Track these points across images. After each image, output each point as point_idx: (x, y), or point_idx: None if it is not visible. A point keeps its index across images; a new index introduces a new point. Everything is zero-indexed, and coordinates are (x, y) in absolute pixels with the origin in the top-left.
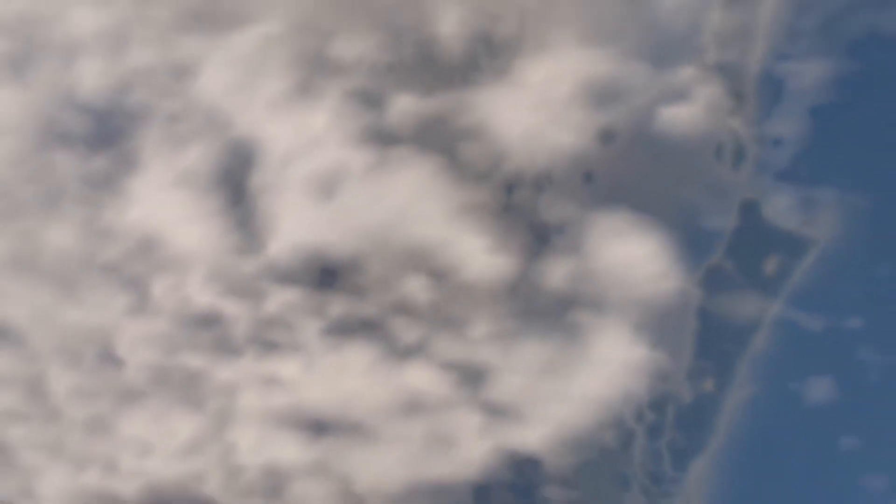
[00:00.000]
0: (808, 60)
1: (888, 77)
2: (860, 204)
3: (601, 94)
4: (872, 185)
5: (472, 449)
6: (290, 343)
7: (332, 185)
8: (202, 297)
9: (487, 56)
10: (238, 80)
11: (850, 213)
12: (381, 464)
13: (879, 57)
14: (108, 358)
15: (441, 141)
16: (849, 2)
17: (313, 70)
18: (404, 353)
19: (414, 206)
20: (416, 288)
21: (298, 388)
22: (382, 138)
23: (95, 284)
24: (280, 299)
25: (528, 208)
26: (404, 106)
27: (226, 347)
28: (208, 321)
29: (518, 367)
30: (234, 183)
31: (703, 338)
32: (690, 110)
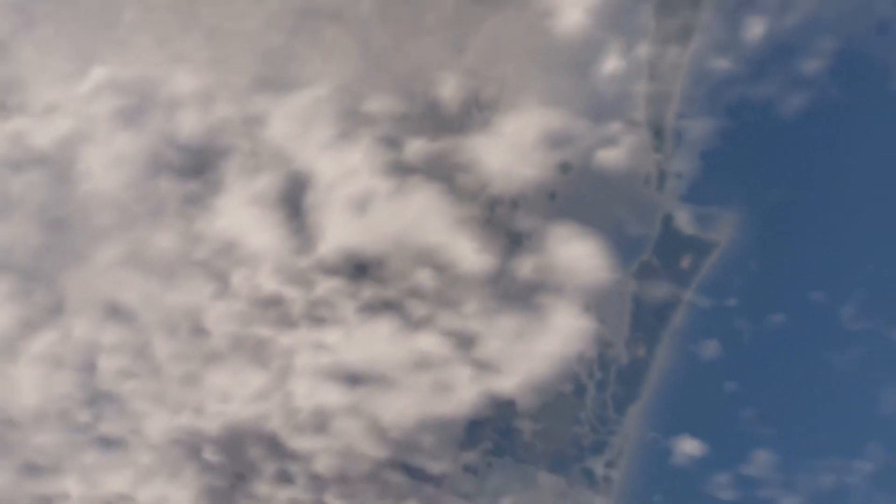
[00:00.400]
0: (700, 118)
1: (755, 130)
2: (740, 216)
3: (558, 140)
4: (745, 204)
5: (465, 394)
6: (333, 318)
7: (364, 203)
8: (269, 284)
9: (476, 112)
10: (296, 127)
11: (734, 222)
12: (400, 405)
13: (749, 116)
14: (198, 329)
15: (443, 172)
16: (727, 77)
17: (351, 121)
18: (416, 325)
19: (423, 219)
20: (425, 278)
21: (339, 350)
22: (401, 170)
23: (190, 275)
24: (326, 286)
25: (505, 220)
26: (417, 147)
27: (286, 321)
28: (273, 302)
29: (498, 334)
30: (293, 202)
31: (636, 316)
32: (623, 152)
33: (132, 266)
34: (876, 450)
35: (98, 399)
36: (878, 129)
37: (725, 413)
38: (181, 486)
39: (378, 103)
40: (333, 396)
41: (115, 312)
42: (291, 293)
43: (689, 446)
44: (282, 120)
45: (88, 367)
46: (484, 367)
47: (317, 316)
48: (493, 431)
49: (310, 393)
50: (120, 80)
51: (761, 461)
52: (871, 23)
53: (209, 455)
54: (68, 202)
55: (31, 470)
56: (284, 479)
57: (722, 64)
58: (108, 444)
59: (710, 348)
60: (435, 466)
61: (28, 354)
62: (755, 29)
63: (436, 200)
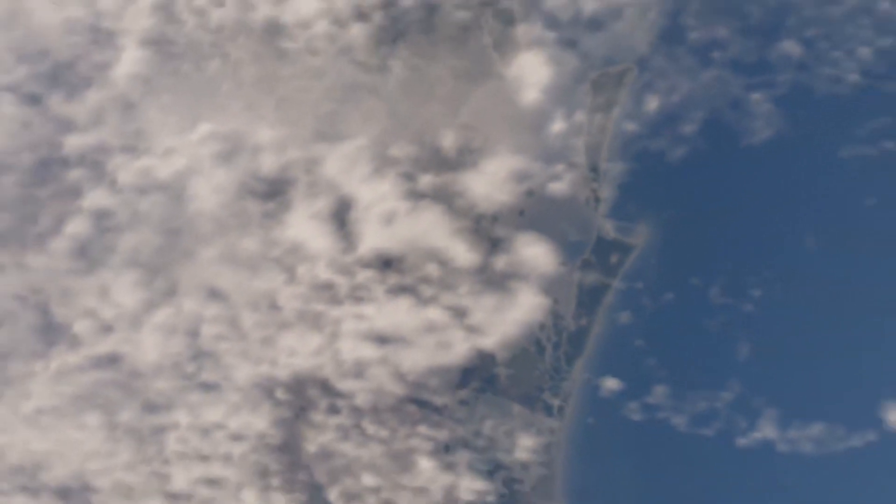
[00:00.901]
0: (620, 161)
1: (653, 170)
2: (648, 228)
3: (523, 176)
4: (650, 220)
5: (459, 349)
6: (368, 297)
7: (390, 219)
8: (323, 274)
9: (468, 156)
10: (344, 166)
11: (645, 232)
12: (414, 358)
13: (650, 161)
14: (273, 305)
15: (445, 197)
16: (636, 135)
17: (381, 162)
18: (426, 302)
19: (430, 230)
20: (432, 269)
21: (373, 320)
22: (415, 196)
23: (266, 269)
24: (363, 275)
25: (487, 230)
26: (427, 180)
27: (335, 300)
28: (326, 286)
29: (482, 308)
30: (341, 217)
31: (579, 296)
32: (568, 184)
33: (226, 261)
34: (734, 384)
35: (200, 356)
36: (733, 171)
37: (635, 360)
38: (260, 416)
39: (400, 150)
40: (368, 352)
41: (214, 294)
42: (339, 280)
43: (611, 384)
44: (333, 161)
45: (193, 333)
46: (473, 330)
47: (357, 296)
48: (479, 376)
49: (352, 349)
50: (219, 132)
51: (659, 393)
52: (727, 100)
53: (280, 395)
54: (180, 216)
55: (152, 407)
56: (333, 410)
57: (633, 126)
58: (208, 387)
59: (626, 317)
60: (439, 400)
61: (150, 324)
62: (653, 104)
63: (439, 217)
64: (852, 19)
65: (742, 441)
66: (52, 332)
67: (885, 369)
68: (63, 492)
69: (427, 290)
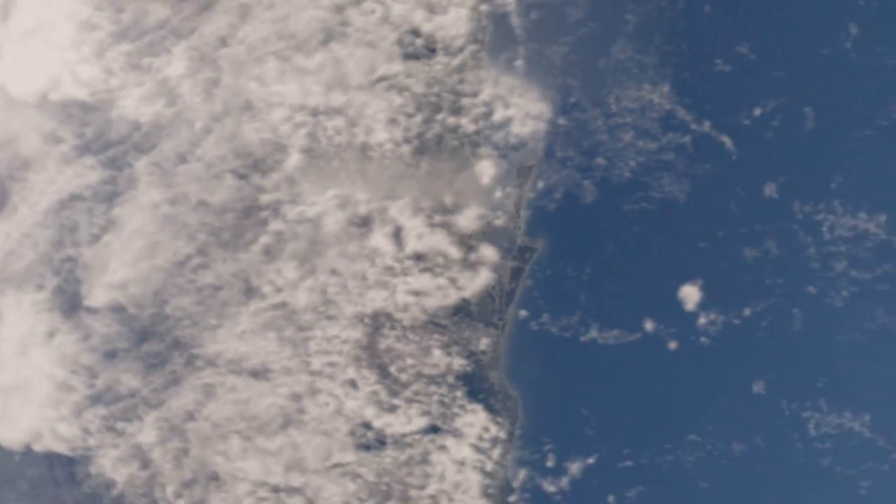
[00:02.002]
0: (527, 209)
1: (546, 211)
2: (545, 241)
3: (482, 216)
4: (551, 229)
5: (453, 297)
6: (410, 273)
7: (420, 236)
8: (389, 262)
9: (457, 207)
10: (397, 211)
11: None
12: (431, 302)
13: (540, 209)
14: (364, 278)
15: (447, 226)
16: (549, 188)
17: (415, 209)
18: (437, 276)
19: (439, 242)
20: (440, 260)
21: (412, 284)
22: (432, 226)
23: (362, 260)
24: (407, 263)
25: (467, 242)
26: (437, 219)
27: (394, 274)
28: (389, 268)
29: (464, 278)
30: (397, 235)
31: (511, 274)
32: (504, 220)
33: (343, 257)
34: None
35: (327, 302)
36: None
37: (538, 303)
38: (357, 332)
39: (425, 203)
40: (410, 299)
41: (335, 272)
42: (396, 264)
43: (524, 313)
44: (394, 209)
45: (323, 290)
46: (459, 289)
47: (404, 272)
48: (463, 311)
49: (402, 298)
50: (337, 193)
51: (573, 321)
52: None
53: (367, 320)
54: (318, 235)
55: (302, 328)
56: (392, 328)
57: (533, 193)
58: (332, 317)
59: (533, 282)
60: (443, 322)
61: (303, 287)
62: (542, 182)
63: (444, 236)
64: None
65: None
66: (250, 292)
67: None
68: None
69: (437, 269)
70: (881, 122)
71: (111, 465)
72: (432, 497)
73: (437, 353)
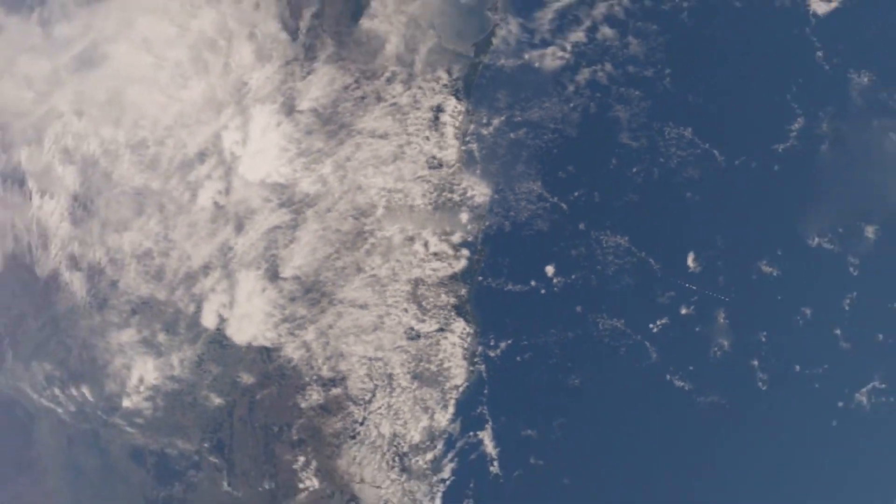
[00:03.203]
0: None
1: (504, 234)
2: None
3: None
4: (493, 245)
5: (456, 266)
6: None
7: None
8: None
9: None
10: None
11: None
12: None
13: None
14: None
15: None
16: (492, 224)
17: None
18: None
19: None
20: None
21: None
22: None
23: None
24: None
25: (457, 247)
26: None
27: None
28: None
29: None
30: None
31: (482, 256)
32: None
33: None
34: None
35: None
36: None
37: (499, 269)
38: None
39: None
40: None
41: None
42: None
43: (489, 272)
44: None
45: (362, 214)
46: (459, 258)
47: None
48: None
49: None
50: None
51: (501, 281)
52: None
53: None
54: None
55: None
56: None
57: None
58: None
59: (491, 257)
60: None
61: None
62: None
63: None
64: None
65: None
66: (360, 270)
67: None
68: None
69: (444, 259)
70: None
71: (291, 351)
72: (440, 363)
73: (443, 296)
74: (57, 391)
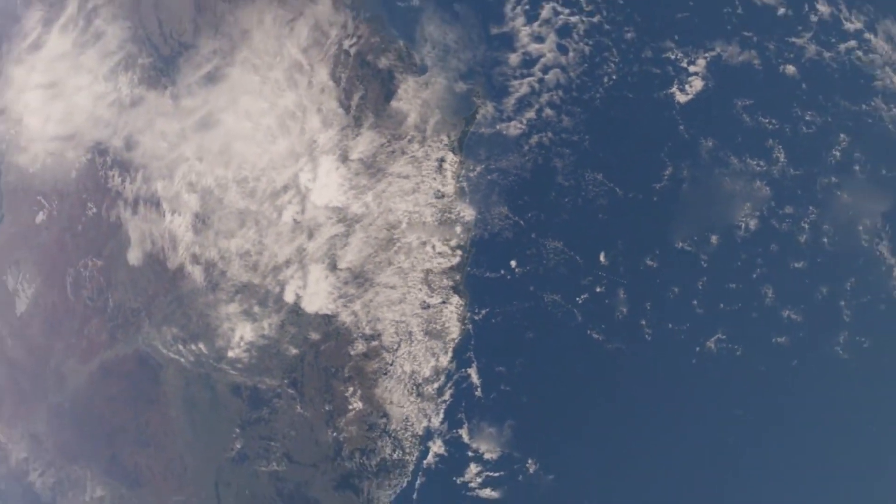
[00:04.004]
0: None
1: (486, 242)
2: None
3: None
4: (478, 247)
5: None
6: None
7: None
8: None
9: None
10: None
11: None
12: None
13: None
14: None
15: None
16: (476, 237)
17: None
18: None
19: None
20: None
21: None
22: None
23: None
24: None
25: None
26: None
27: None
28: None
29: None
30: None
31: (470, 248)
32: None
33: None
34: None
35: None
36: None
37: (488, 251)
38: None
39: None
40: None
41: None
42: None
43: (481, 255)
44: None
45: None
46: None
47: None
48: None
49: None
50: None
51: (483, 270)
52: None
53: None
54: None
55: None
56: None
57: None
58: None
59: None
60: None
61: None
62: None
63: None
64: None
65: None
66: (391, 267)
67: None
68: None
69: (446, 256)
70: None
71: (344, 317)
72: (443, 323)
73: (445, 280)
74: (180, 347)
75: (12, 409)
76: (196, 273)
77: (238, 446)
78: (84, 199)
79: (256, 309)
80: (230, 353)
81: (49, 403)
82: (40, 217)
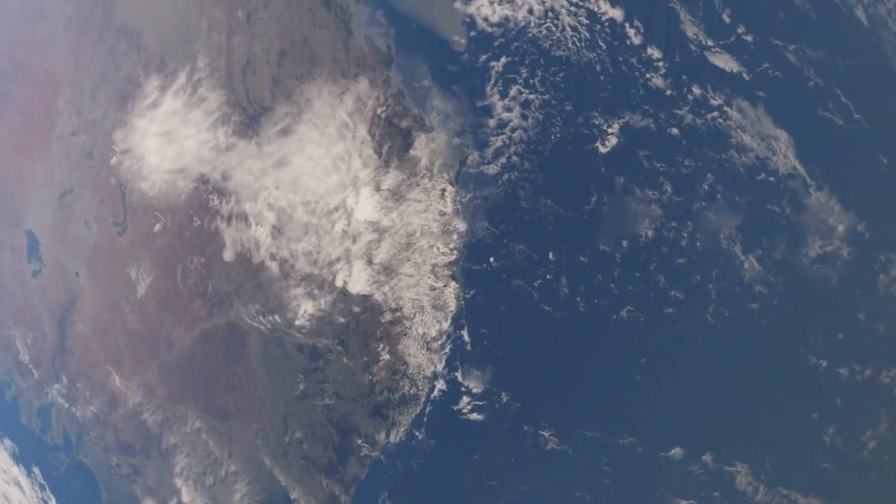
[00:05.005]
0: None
1: (474, 245)
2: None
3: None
4: (469, 249)
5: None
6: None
7: None
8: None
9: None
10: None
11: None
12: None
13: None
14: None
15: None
16: (466, 246)
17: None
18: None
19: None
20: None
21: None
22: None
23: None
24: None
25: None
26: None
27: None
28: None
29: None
30: None
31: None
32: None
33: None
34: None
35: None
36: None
37: (477, 239)
38: None
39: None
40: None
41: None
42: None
43: (472, 242)
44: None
45: None
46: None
47: None
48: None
49: None
50: None
51: (473, 264)
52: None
53: None
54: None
55: None
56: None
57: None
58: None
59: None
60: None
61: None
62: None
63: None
64: None
65: None
66: (410, 263)
67: None
68: None
69: (447, 253)
70: None
71: (378, 296)
72: (444, 300)
73: (446, 271)
74: (260, 318)
75: (131, 367)
76: (273, 267)
77: (301, 388)
78: (191, 214)
79: (316, 291)
80: (297, 322)
81: (160, 361)
82: (157, 227)
